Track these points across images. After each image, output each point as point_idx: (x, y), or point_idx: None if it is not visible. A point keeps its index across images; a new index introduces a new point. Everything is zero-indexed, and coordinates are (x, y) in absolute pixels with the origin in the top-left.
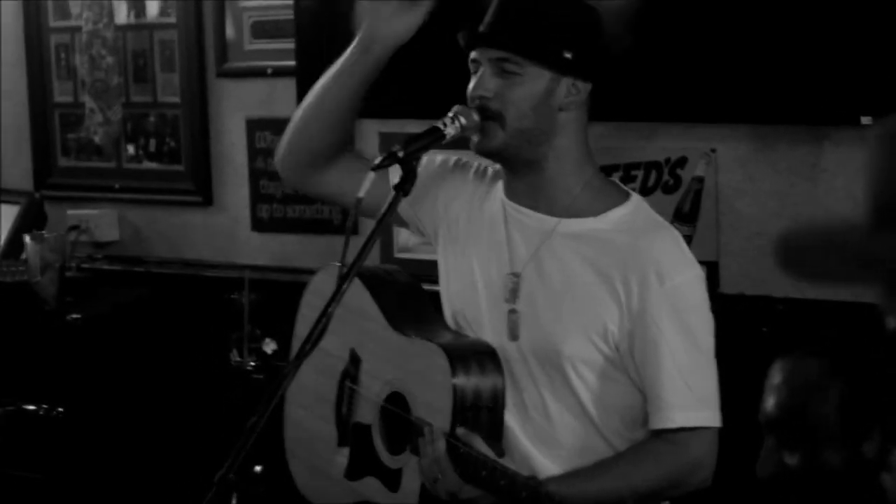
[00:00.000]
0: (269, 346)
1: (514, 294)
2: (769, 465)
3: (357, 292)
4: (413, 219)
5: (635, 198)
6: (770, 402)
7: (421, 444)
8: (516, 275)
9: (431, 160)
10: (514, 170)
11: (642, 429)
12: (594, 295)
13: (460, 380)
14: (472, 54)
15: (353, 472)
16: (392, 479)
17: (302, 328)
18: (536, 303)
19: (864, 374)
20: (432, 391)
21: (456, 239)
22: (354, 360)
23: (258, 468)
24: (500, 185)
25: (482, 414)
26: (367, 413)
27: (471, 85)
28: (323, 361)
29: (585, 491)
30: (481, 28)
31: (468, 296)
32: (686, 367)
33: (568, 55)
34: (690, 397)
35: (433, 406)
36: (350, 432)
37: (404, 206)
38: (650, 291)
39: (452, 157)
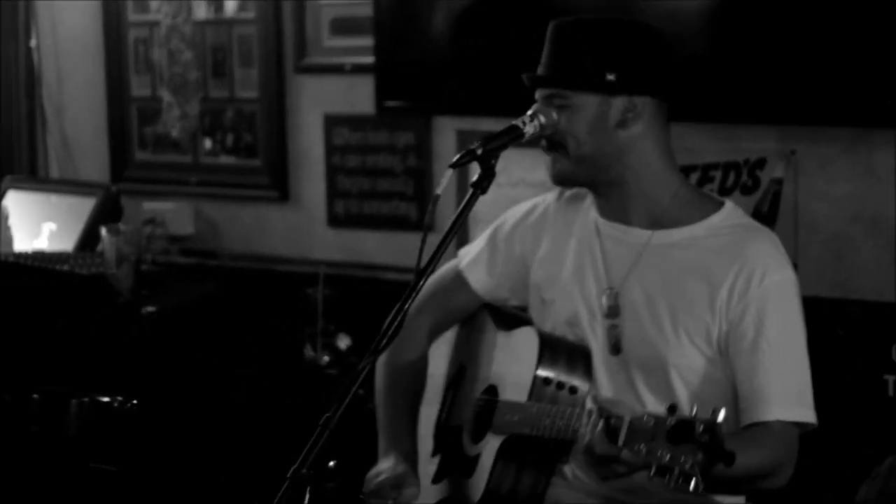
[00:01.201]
0: (343, 342)
1: (613, 309)
2: None
3: (478, 314)
4: (515, 299)
5: (729, 205)
6: (870, 487)
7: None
8: (613, 289)
9: (493, 251)
10: (597, 190)
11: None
12: (694, 300)
13: (546, 354)
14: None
15: (439, 476)
16: (470, 466)
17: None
18: (638, 314)
19: None
20: (519, 367)
21: (551, 280)
22: (461, 370)
23: (332, 463)
24: (586, 205)
25: (563, 393)
26: (462, 414)
27: (534, 126)
28: (433, 389)
29: None
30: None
31: (572, 317)
32: (784, 363)
33: (611, 77)
34: (787, 393)
35: (518, 383)
36: (442, 439)
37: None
38: (749, 290)
39: (498, 228)
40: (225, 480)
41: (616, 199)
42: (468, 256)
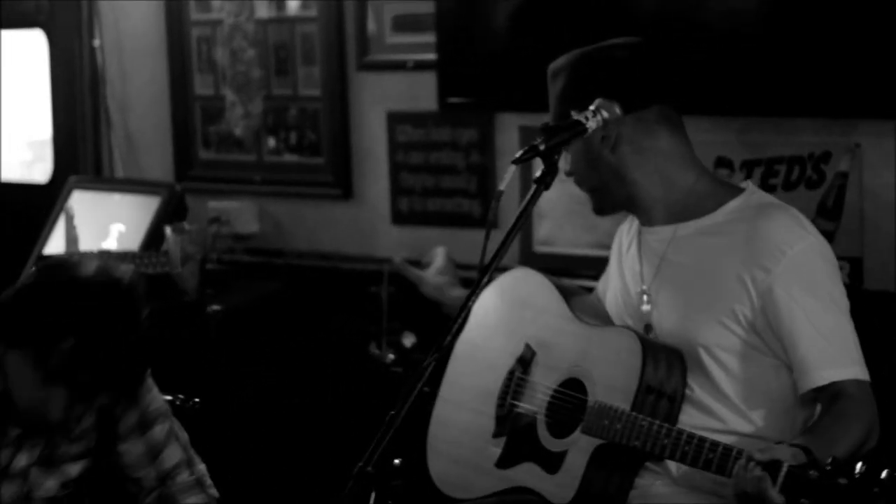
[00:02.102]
0: (408, 340)
1: (648, 305)
2: None
3: (544, 291)
4: None
5: (749, 188)
6: None
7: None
8: (646, 291)
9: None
10: (626, 208)
11: (798, 410)
12: (719, 283)
13: (650, 362)
14: None
15: (508, 461)
16: (553, 462)
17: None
18: (666, 304)
19: None
20: (617, 371)
21: (609, 294)
22: (528, 353)
23: (397, 461)
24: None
25: (662, 402)
26: (533, 402)
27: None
28: (487, 358)
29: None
30: None
31: (620, 317)
32: (824, 327)
33: (573, 113)
34: (834, 354)
35: (615, 386)
36: (510, 422)
37: None
38: (774, 265)
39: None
40: (289, 478)
41: (641, 209)
42: None
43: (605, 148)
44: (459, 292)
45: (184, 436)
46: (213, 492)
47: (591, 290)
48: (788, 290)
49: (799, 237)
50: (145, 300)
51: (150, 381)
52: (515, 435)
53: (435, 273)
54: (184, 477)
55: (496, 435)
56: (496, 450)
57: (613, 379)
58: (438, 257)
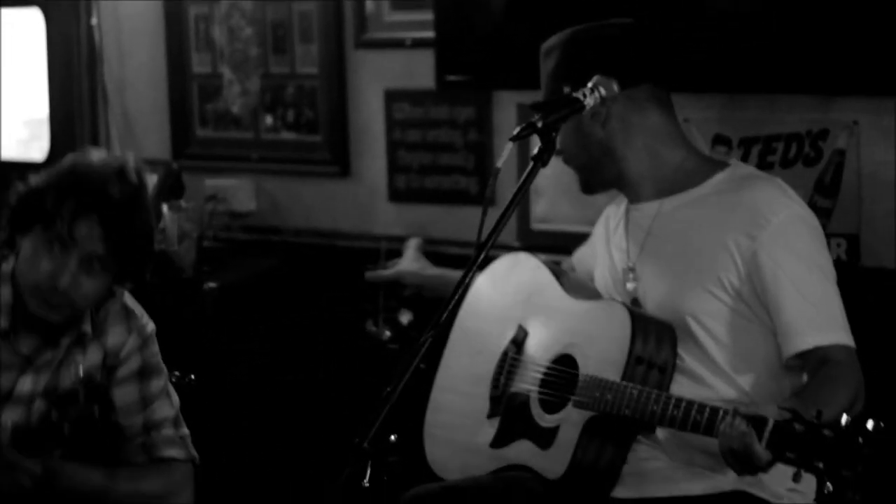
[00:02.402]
0: (405, 317)
1: (633, 282)
2: None
3: (536, 273)
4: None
5: (734, 162)
6: None
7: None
8: (632, 268)
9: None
10: (615, 185)
11: (785, 376)
12: (705, 252)
13: (639, 333)
14: None
15: (502, 440)
16: (545, 438)
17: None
18: (653, 275)
19: None
20: (607, 344)
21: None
22: (521, 333)
23: (393, 437)
24: (621, 199)
25: (653, 373)
26: (526, 380)
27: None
28: (481, 342)
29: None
30: None
31: (608, 295)
32: (809, 293)
33: (566, 89)
34: (819, 319)
35: (606, 359)
36: (504, 402)
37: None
38: (759, 233)
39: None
40: (285, 455)
41: (629, 186)
42: None
43: (596, 124)
44: (438, 271)
45: (176, 399)
46: (195, 453)
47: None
48: (773, 256)
49: (783, 205)
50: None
51: (153, 336)
52: (509, 414)
53: (409, 262)
54: (168, 432)
55: (490, 416)
56: (491, 430)
57: (604, 352)
58: (410, 248)
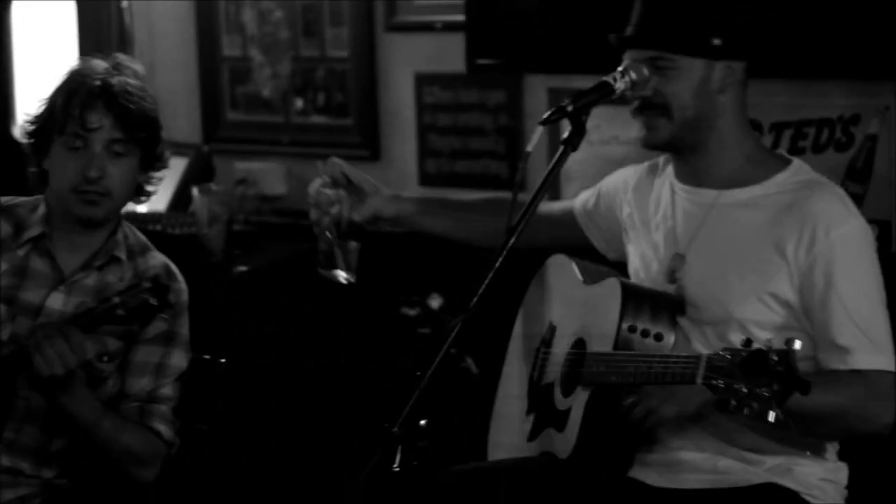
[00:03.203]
0: (436, 302)
1: (678, 270)
2: None
3: (564, 270)
4: (606, 237)
5: (797, 162)
6: None
7: None
8: (681, 255)
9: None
10: (682, 155)
11: None
12: (760, 257)
13: (630, 302)
14: (626, 54)
15: (535, 433)
16: (562, 420)
17: (525, 321)
18: (703, 274)
19: None
20: (603, 318)
21: (634, 231)
22: (549, 330)
23: (423, 422)
24: (669, 170)
25: (648, 340)
26: (553, 371)
27: (625, 82)
28: (526, 347)
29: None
30: (629, 29)
31: (646, 278)
32: (857, 313)
33: (717, 41)
34: (864, 341)
35: (603, 333)
36: (536, 397)
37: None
38: (816, 245)
39: (610, 177)
40: (314, 439)
41: (694, 163)
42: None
43: (722, 86)
44: (409, 201)
45: (178, 395)
46: (177, 442)
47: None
48: (827, 269)
49: (845, 219)
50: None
51: (186, 307)
52: (540, 407)
53: (375, 191)
54: (166, 410)
55: (528, 412)
56: (528, 426)
57: (601, 327)
58: (356, 175)
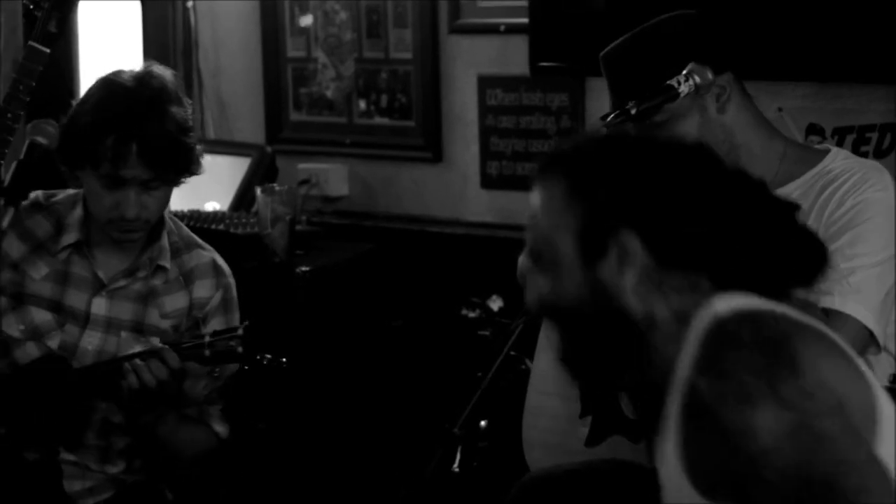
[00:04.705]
0: (496, 303)
1: None
2: (531, 293)
3: None
4: None
5: (834, 150)
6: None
7: None
8: None
9: None
10: None
11: None
12: None
13: None
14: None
15: (595, 438)
16: (636, 431)
17: None
18: None
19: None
20: None
21: None
22: None
23: (483, 423)
24: None
25: None
26: None
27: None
28: None
29: None
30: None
31: None
32: (849, 264)
33: (685, 72)
34: (849, 290)
35: None
36: (593, 400)
37: None
38: (850, 195)
39: None
40: (375, 438)
41: None
42: None
43: (721, 106)
44: None
45: (231, 392)
46: (227, 439)
47: None
48: (837, 230)
49: (883, 186)
50: None
51: (236, 301)
52: (599, 412)
53: None
54: (220, 409)
55: (582, 415)
56: (584, 429)
57: None
58: None
